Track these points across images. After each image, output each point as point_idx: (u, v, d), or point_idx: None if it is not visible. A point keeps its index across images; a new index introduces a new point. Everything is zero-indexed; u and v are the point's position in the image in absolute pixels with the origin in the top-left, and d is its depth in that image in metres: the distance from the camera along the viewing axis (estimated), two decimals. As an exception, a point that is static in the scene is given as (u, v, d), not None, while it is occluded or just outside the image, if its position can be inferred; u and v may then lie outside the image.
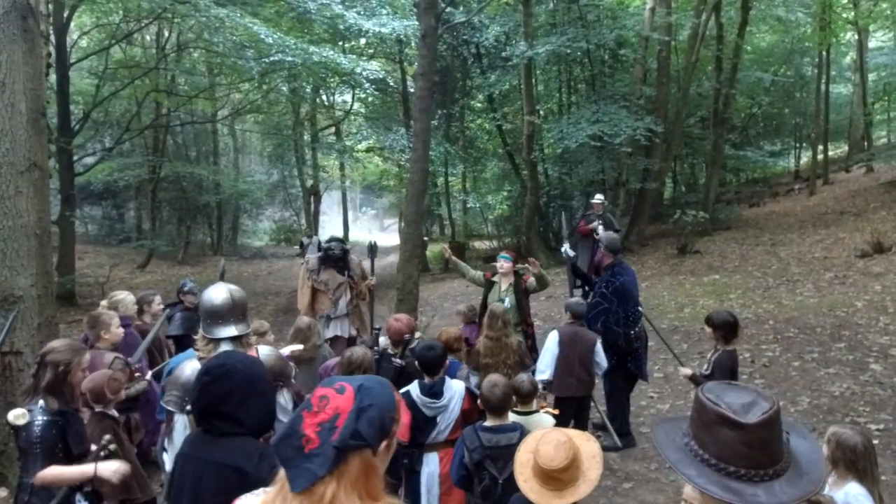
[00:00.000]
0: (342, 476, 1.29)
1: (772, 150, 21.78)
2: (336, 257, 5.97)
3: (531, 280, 5.53)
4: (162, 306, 5.44)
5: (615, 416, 5.41)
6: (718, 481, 1.28)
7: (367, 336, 5.55)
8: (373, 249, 6.51)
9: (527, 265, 5.58)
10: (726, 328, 4.14)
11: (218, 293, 3.04)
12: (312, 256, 6.13)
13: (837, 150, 23.81)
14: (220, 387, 2.07)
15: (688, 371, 4.51)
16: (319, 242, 15.62)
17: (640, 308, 5.47)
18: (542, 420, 3.59)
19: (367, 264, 6.45)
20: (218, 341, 2.98)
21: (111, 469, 2.79)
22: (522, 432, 3.12)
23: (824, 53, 18.32)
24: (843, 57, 23.65)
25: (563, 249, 6.33)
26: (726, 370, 4.11)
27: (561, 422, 3.93)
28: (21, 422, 2.70)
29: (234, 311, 3.00)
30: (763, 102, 19.87)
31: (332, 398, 1.33)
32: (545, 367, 4.87)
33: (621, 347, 5.16)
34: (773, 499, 1.25)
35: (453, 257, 6.30)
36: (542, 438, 2.62)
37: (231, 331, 2.97)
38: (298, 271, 6.71)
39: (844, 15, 18.25)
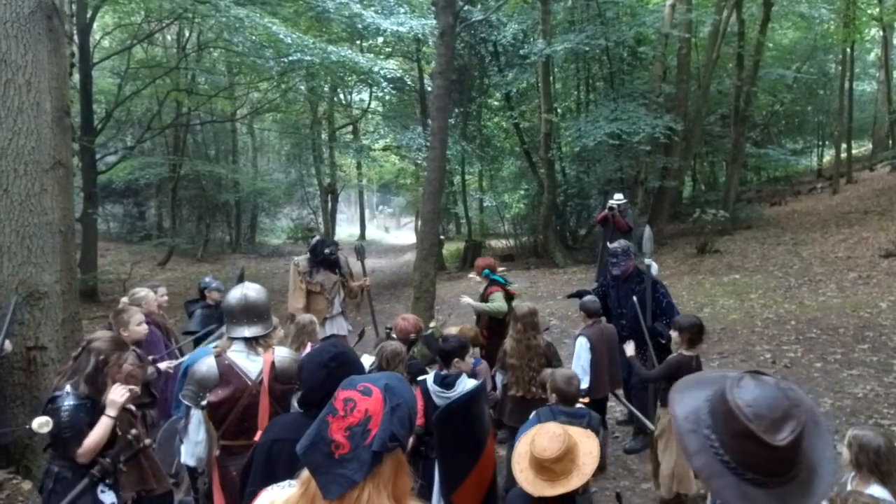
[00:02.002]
0: (375, 478, 1.27)
1: (794, 149, 21.47)
2: (332, 261, 5.95)
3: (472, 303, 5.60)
4: (166, 297, 5.50)
5: (643, 413, 5.33)
6: (735, 486, 1.26)
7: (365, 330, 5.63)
8: (360, 251, 6.65)
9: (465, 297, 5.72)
10: (693, 330, 4.11)
11: (234, 294, 3.10)
12: (302, 259, 6.03)
13: (861, 148, 23.41)
14: (346, 371, 2.21)
15: (630, 349, 4.52)
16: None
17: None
18: (591, 415, 3.68)
19: (357, 266, 6.48)
20: (232, 340, 3.03)
21: (115, 397, 2.92)
22: (590, 419, 3.37)
23: (848, 50, 18.02)
24: (867, 54, 23.24)
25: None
26: (668, 368, 4.10)
27: None
28: (44, 430, 2.75)
29: (247, 313, 3.02)
30: (785, 100, 19.58)
31: (358, 401, 1.31)
32: (582, 374, 4.83)
33: (665, 346, 5.06)
34: None
35: (474, 303, 5.89)
36: (539, 430, 2.73)
37: (243, 332, 3.00)
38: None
39: (869, 11, 17.93)
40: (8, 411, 4.50)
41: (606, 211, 10.14)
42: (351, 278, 6.31)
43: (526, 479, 2.68)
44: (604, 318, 5.16)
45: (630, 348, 4.47)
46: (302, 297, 5.88)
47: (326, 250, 5.90)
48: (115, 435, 2.95)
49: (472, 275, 6.36)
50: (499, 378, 4.56)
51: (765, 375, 1.32)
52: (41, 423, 2.74)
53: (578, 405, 3.73)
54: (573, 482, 2.64)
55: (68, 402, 2.83)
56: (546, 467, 2.62)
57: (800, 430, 1.24)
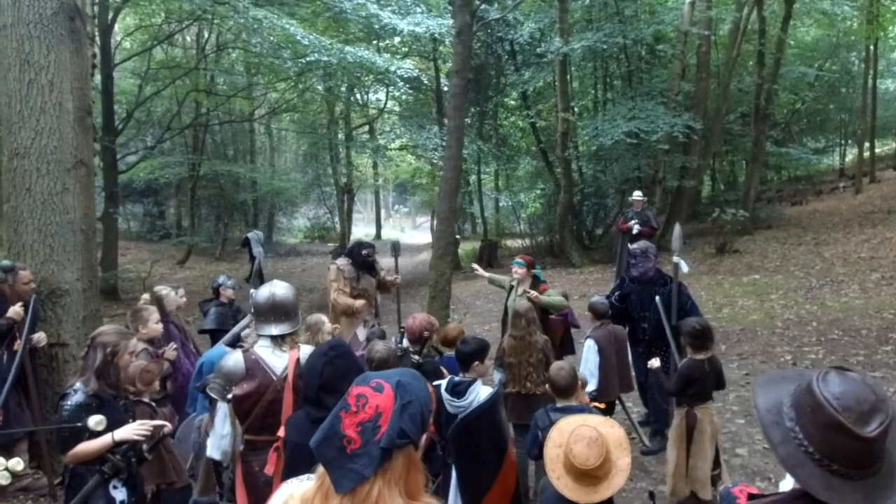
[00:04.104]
0: (386, 474, 1.28)
1: (816, 148, 21.12)
2: (370, 264, 5.95)
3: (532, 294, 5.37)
4: (184, 299, 5.52)
5: (659, 415, 5.27)
6: (820, 476, 1.28)
7: (376, 327, 5.60)
8: (395, 248, 6.64)
9: (528, 291, 5.35)
10: (692, 336, 4.01)
11: (262, 291, 3.12)
12: (345, 264, 6.02)
13: (885, 146, 22.99)
14: (345, 363, 2.28)
15: (656, 363, 4.36)
16: (260, 236, 15.74)
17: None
18: (590, 410, 3.57)
19: (390, 262, 6.48)
20: (259, 337, 3.07)
21: (130, 430, 2.82)
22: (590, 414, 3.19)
23: (871, 47, 17.68)
24: (891, 51, 22.77)
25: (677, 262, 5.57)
26: (682, 379, 3.99)
27: None
28: (100, 427, 2.74)
29: (275, 311, 3.05)
30: (807, 98, 19.29)
31: (370, 397, 1.32)
32: (590, 377, 4.79)
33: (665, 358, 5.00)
34: None
35: (485, 273, 6.17)
36: (573, 435, 2.60)
37: (270, 329, 3.03)
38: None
39: (893, 8, 17.57)
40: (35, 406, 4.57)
41: (631, 223, 10.02)
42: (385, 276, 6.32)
43: (566, 486, 2.59)
44: (610, 321, 5.09)
45: (656, 362, 4.36)
46: (348, 298, 5.83)
47: (364, 251, 5.87)
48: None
49: (474, 265, 6.33)
50: (497, 377, 4.54)
51: (850, 371, 1.35)
52: (97, 422, 2.74)
53: (581, 404, 3.68)
54: (616, 482, 2.58)
55: (72, 401, 2.84)
56: (588, 474, 2.55)
57: (887, 423, 1.26)
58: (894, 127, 21.84)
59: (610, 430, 2.68)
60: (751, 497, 1.57)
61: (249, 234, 15.70)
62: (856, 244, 12.06)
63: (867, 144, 18.80)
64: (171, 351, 4.44)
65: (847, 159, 22.60)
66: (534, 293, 5.29)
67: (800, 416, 1.33)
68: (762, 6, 14.98)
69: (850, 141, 22.36)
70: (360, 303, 5.72)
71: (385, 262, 6.47)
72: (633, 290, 5.38)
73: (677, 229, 5.09)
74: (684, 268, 5.07)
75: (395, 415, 1.30)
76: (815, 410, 1.29)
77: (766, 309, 9.15)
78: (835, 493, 1.26)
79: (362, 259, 5.83)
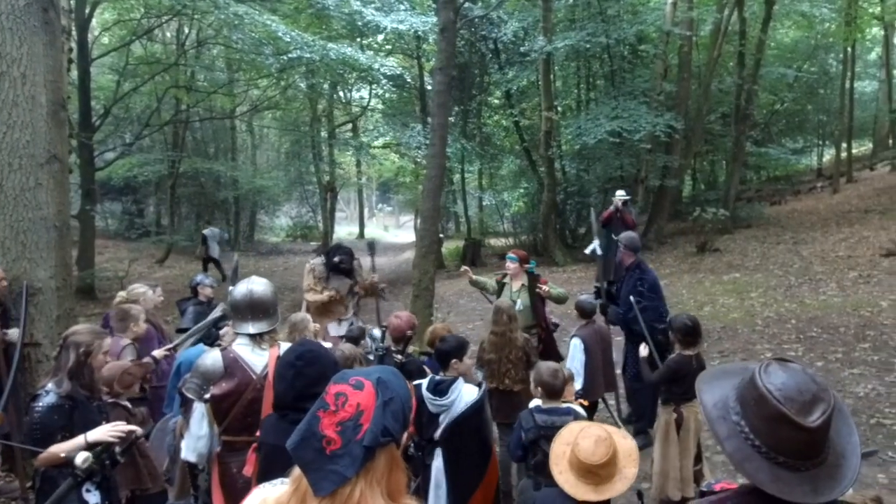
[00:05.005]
0: (368, 474, 1.24)
1: (794, 148, 21.43)
2: (343, 270, 5.92)
3: (546, 290, 5.37)
4: (162, 297, 5.43)
5: (643, 413, 5.29)
6: (768, 469, 1.28)
7: (355, 327, 5.55)
8: (371, 247, 6.61)
9: (539, 286, 5.34)
10: (682, 332, 4.04)
11: (240, 289, 3.05)
12: (318, 264, 6.02)
13: (862, 147, 23.37)
14: (314, 370, 2.21)
15: (644, 351, 4.39)
16: (220, 234, 15.55)
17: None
18: (576, 412, 3.55)
19: (367, 262, 6.45)
20: (237, 335, 3.00)
21: (104, 431, 2.73)
22: (576, 416, 3.18)
23: (849, 49, 17.98)
24: (868, 53, 23.20)
25: (591, 248, 6.13)
26: (668, 371, 4.04)
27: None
28: (86, 465, 2.63)
29: (253, 309, 2.99)
30: (786, 99, 19.57)
31: (350, 395, 1.27)
32: (576, 375, 4.78)
33: (661, 343, 5.01)
34: (818, 497, 1.26)
35: (473, 276, 6.11)
36: (582, 433, 2.63)
37: (248, 328, 2.97)
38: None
39: (870, 10, 17.88)
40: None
41: (612, 208, 10.03)
42: (361, 277, 6.29)
43: (567, 481, 2.61)
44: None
45: (644, 350, 4.40)
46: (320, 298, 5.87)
47: (336, 258, 5.84)
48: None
49: (464, 267, 6.28)
50: (479, 376, 4.51)
51: (790, 362, 1.35)
52: (84, 459, 2.62)
53: (571, 404, 3.66)
54: (618, 487, 2.59)
55: (44, 402, 2.76)
56: (591, 472, 2.56)
57: (830, 412, 1.27)
58: (871, 128, 22.21)
59: (622, 440, 2.70)
60: (702, 494, 1.56)
61: (206, 231, 15.52)
62: (833, 243, 12.23)
63: (844, 145, 19.10)
64: (161, 352, 4.35)
65: (825, 159, 22.95)
66: (545, 288, 5.26)
67: (745, 409, 1.33)
68: (743, 7, 15.14)
69: (827, 141, 22.72)
70: (326, 294, 5.73)
71: (365, 261, 6.43)
72: (621, 280, 5.53)
73: (592, 214, 5.24)
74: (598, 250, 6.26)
75: (378, 412, 1.25)
76: (758, 403, 1.30)
77: (747, 307, 9.24)
78: (783, 485, 1.26)
79: (334, 264, 5.82)
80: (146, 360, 4.21)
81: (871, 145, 22.49)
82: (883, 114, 20.06)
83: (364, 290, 6.19)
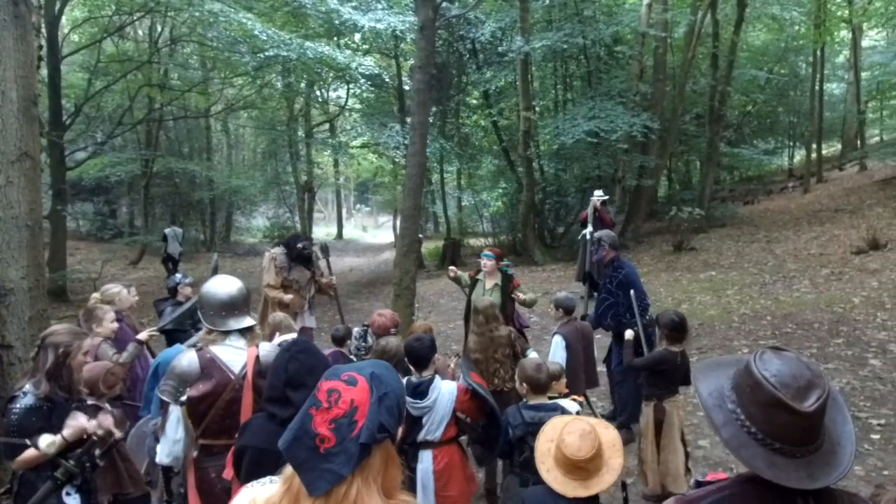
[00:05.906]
0: (363, 471, 1.21)
1: (766, 148, 21.82)
2: (306, 256, 5.96)
3: (521, 298, 5.44)
4: (136, 297, 5.33)
5: (625, 407, 5.33)
6: (764, 456, 1.29)
7: (341, 326, 5.56)
8: (325, 250, 6.62)
9: (515, 293, 5.40)
10: (669, 327, 4.10)
11: (230, 285, 2.99)
12: (279, 254, 6.01)
13: (831, 148, 23.91)
14: (309, 358, 2.21)
15: (629, 334, 4.47)
16: (178, 233, 15.48)
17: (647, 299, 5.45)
18: (567, 406, 3.53)
19: (322, 264, 6.46)
20: (226, 334, 2.90)
21: (76, 425, 2.69)
22: (563, 412, 3.16)
23: (818, 52, 18.38)
24: (837, 55, 23.73)
25: (584, 233, 6.17)
26: (653, 360, 4.13)
27: None
28: (52, 451, 2.60)
29: (227, 307, 2.93)
30: (758, 100, 19.92)
31: (343, 391, 1.23)
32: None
33: (648, 335, 5.04)
34: (814, 483, 1.27)
35: (457, 273, 6.09)
36: (566, 428, 2.60)
37: (247, 321, 2.94)
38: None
39: (839, 13, 18.29)
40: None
41: (590, 208, 10.09)
42: (321, 276, 6.39)
43: (555, 479, 2.59)
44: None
45: (630, 333, 4.45)
46: (279, 290, 5.93)
47: (300, 244, 5.96)
48: (82, 438, 2.81)
49: (451, 268, 6.25)
50: (463, 367, 4.50)
51: (785, 350, 1.37)
52: (49, 443, 2.57)
53: (562, 400, 3.66)
54: (606, 480, 2.57)
55: (21, 404, 2.68)
56: (579, 467, 2.55)
57: (824, 398, 1.28)
58: (840, 129, 22.72)
59: (605, 430, 2.69)
60: (698, 484, 1.57)
61: (167, 231, 15.32)
62: (805, 241, 12.49)
63: (814, 146, 19.50)
64: (146, 333, 4.33)
65: (795, 160, 23.42)
66: (521, 296, 5.38)
67: (740, 397, 1.35)
68: (716, 10, 15.38)
69: (798, 142, 23.19)
70: (289, 297, 5.81)
71: (321, 264, 6.47)
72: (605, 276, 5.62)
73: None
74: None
75: (374, 408, 1.22)
76: (754, 389, 1.31)
77: (723, 304, 9.38)
78: (779, 471, 1.28)
79: (297, 252, 5.84)
80: (131, 345, 4.14)
81: (840, 146, 23.00)
82: (851, 115, 20.53)
83: (320, 288, 6.25)
